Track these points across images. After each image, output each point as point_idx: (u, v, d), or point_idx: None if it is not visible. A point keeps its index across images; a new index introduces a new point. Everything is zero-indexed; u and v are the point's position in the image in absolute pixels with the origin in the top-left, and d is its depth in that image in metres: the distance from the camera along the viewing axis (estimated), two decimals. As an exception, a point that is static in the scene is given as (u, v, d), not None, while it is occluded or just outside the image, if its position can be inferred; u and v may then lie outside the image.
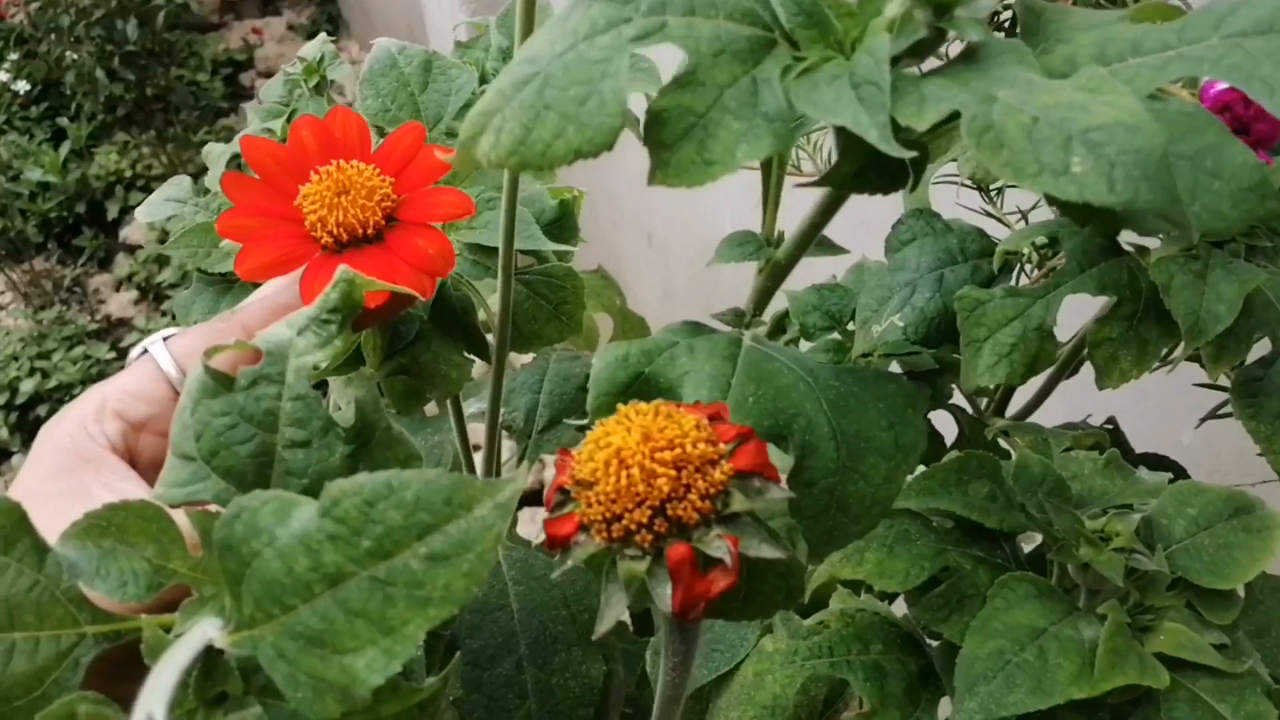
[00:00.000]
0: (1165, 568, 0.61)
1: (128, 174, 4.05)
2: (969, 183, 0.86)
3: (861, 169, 0.39)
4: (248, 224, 0.51)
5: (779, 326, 0.83)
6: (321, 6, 5.17)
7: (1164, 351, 0.68)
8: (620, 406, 0.37)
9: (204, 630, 0.33)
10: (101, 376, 3.24)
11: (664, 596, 0.35)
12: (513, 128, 0.36)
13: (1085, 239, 0.66)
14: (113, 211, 4.00)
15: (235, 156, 0.95)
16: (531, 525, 2.52)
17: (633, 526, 0.35)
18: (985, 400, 0.88)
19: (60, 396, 3.18)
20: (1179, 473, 0.86)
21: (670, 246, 2.60)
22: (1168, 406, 1.16)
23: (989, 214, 0.91)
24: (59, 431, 0.46)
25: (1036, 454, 0.67)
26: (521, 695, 0.65)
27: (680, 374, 0.44)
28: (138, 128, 4.25)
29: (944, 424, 0.85)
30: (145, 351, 0.49)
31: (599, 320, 1.06)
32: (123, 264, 3.82)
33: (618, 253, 2.89)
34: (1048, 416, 0.86)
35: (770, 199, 0.48)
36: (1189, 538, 0.63)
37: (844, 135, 0.38)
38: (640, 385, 0.44)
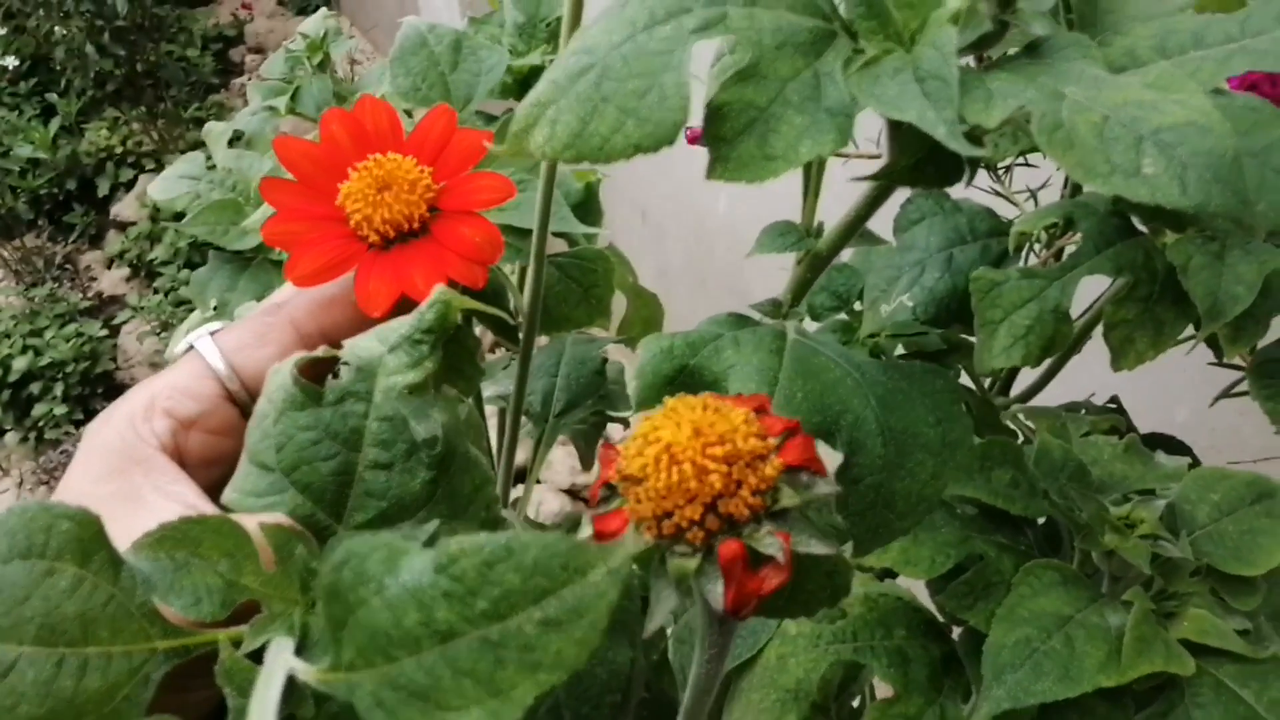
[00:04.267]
0: (1190, 554, 0.61)
1: (118, 150, 4.03)
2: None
3: (918, 163, 0.38)
4: (292, 229, 0.50)
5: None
6: (313, -18, 5.14)
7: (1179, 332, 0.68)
8: (666, 399, 0.36)
9: (286, 661, 0.33)
10: (94, 355, 3.24)
11: (715, 594, 0.34)
12: (568, 120, 0.35)
13: (1101, 220, 0.65)
14: (103, 188, 3.98)
15: (236, 134, 0.95)
16: (541, 507, 2.51)
17: (684, 523, 0.34)
18: (990, 380, 0.88)
19: (53, 375, 3.16)
20: (1184, 452, 0.86)
21: (665, 224, 2.60)
22: (1163, 384, 1.17)
23: (998, 193, 0.91)
24: (107, 431, 0.45)
25: (1056, 439, 0.67)
26: (550, 683, 0.64)
27: (726, 367, 0.43)
28: (128, 103, 4.22)
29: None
30: (191, 347, 0.48)
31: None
32: (114, 241, 3.80)
33: (612, 230, 2.88)
34: (1048, 396, 0.86)
35: (811, 188, 0.48)
36: (1212, 523, 0.63)
37: (900, 129, 0.38)
38: (685, 378, 0.43)
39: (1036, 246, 0.75)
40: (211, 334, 0.49)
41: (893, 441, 0.43)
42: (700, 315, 0.48)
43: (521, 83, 0.77)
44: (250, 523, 0.37)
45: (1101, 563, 0.62)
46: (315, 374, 0.42)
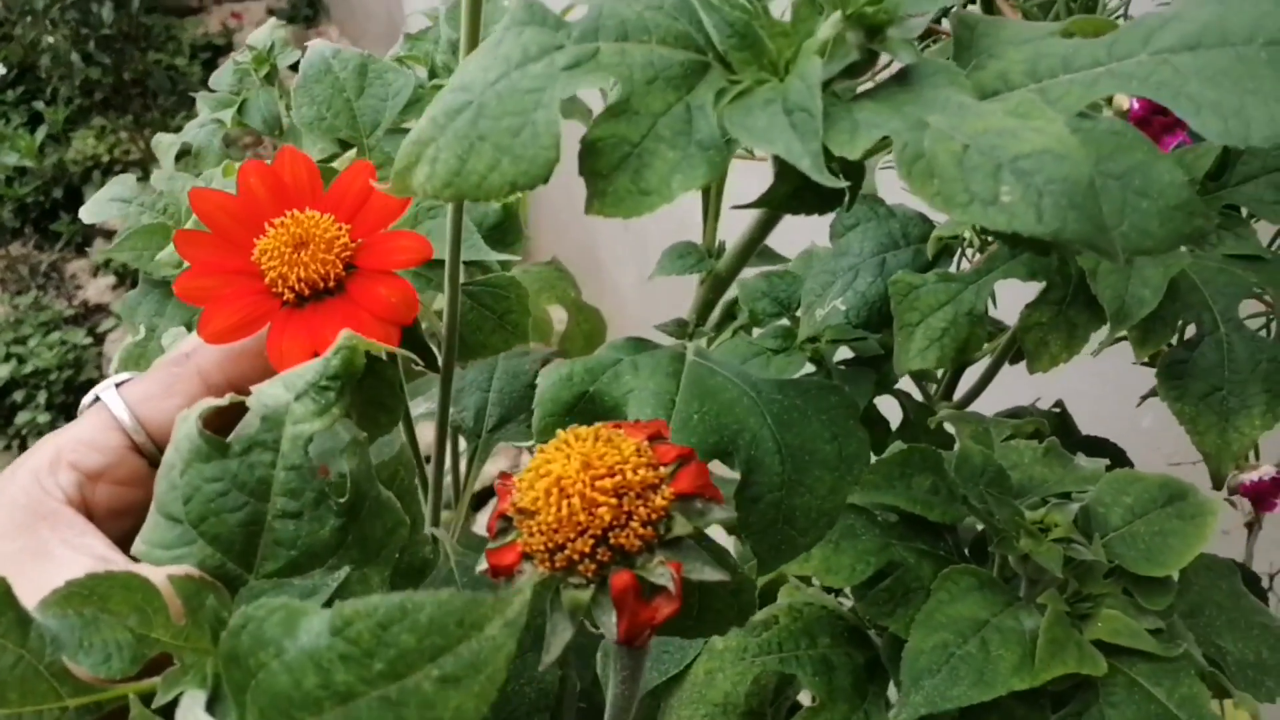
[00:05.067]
0: (1103, 557, 0.62)
1: (105, 159, 4.01)
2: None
3: (797, 190, 0.39)
4: (206, 284, 0.49)
5: (729, 313, 0.83)
6: (301, -11, 5.13)
7: (1094, 335, 0.69)
8: (560, 431, 0.37)
9: (196, 717, 0.33)
10: (78, 363, 3.23)
11: (609, 625, 0.35)
12: (447, 158, 0.36)
13: (1017, 224, 0.67)
14: (89, 196, 3.97)
15: (185, 148, 0.94)
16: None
17: (575, 556, 0.35)
18: (934, 385, 0.89)
19: (37, 383, 3.16)
20: (1118, 455, 0.87)
21: (648, 232, 2.60)
22: (1128, 389, 1.18)
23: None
24: (12, 487, 0.45)
25: (978, 444, 0.68)
26: (477, 704, 0.64)
27: (625, 392, 0.44)
28: (115, 112, 4.22)
29: (889, 409, 0.86)
30: (97, 399, 0.48)
31: (553, 312, 1.05)
32: (100, 249, 3.80)
33: (595, 238, 2.89)
34: (1003, 399, 0.87)
35: (710, 210, 0.49)
36: (1125, 525, 0.64)
37: (779, 158, 0.38)
38: (585, 404, 0.44)
39: (969, 251, 0.76)
40: (118, 385, 0.48)
41: (790, 459, 0.44)
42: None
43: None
44: (159, 575, 0.37)
45: (1018, 566, 0.62)
46: (222, 422, 0.42)
